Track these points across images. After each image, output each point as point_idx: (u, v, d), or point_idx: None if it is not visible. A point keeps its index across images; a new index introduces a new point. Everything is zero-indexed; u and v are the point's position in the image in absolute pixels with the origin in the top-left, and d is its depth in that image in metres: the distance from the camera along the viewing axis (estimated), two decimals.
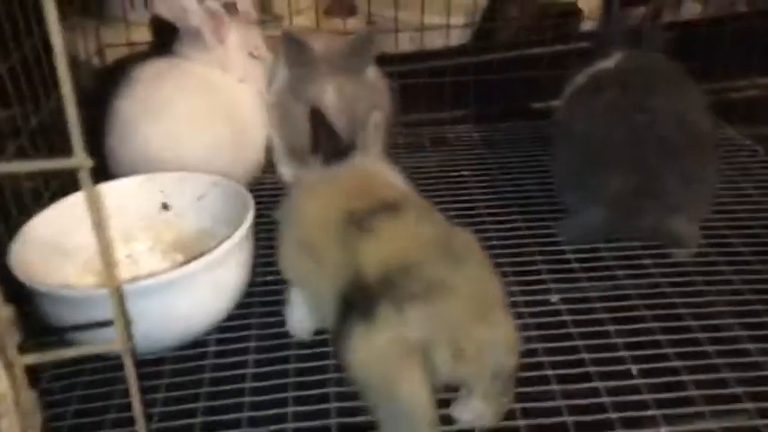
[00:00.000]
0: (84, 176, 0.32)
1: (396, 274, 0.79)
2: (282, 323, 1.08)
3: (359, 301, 0.79)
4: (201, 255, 0.95)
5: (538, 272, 1.19)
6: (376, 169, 1.03)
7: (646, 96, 1.21)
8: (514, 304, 1.09)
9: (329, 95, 1.34)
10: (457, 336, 0.77)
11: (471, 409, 0.85)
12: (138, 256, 1.17)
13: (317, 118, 1.08)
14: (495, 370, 0.81)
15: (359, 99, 1.35)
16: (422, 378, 0.75)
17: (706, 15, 1.87)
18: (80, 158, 0.32)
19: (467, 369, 0.80)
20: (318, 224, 0.91)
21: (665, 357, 0.99)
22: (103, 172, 1.32)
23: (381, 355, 0.76)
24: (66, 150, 0.32)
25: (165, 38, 1.47)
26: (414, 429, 0.76)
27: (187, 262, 0.96)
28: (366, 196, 0.91)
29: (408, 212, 0.88)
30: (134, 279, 0.98)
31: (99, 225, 0.33)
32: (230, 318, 1.07)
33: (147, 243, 1.18)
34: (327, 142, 1.04)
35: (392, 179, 1.02)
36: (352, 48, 1.36)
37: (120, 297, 0.40)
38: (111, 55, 1.76)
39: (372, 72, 1.42)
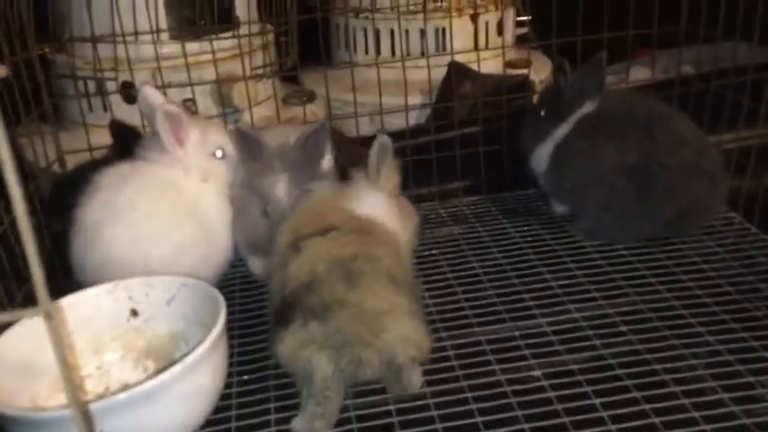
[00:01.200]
0: (51, 325, 0.31)
1: (304, 290, 1.04)
2: (262, 425, 1.05)
3: (282, 311, 1.05)
4: (173, 361, 0.93)
5: (518, 347, 1.18)
6: (341, 194, 1.27)
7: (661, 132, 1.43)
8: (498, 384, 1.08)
9: (280, 190, 1.35)
10: (351, 345, 0.99)
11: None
12: (109, 367, 1.14)
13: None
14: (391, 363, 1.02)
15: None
16: (327, 365, 0.99)
17: (654, 79, 1.93)
18: (46, 306, 0.31)
19: (370, 370, 1.02)
20: (279, 247, 1.16)
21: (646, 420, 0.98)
22: (69, 278, 1.30)
23: (295, 352, 1.01)
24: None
25: (126, 141, 1.48)
26: (326, 404, 0.99)
27: (159, 369, 0.94)
28: (315, 222, 1.15)
29: (335, 235, 1.10)
30: (104, 394, 0.95)
31: (64, 365, 0.32)
32: (208, 423, 1.04)
33: (118, 352, 1.15)
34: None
35: (356, 205, 1.23)
36: (305, 141, 1.37)
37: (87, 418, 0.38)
38: (71, 159, 1.75)
39: (328, 161, 1.44)
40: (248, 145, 1.38)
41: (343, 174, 1.45)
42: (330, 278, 1.03)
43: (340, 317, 1.00)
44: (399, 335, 1.01)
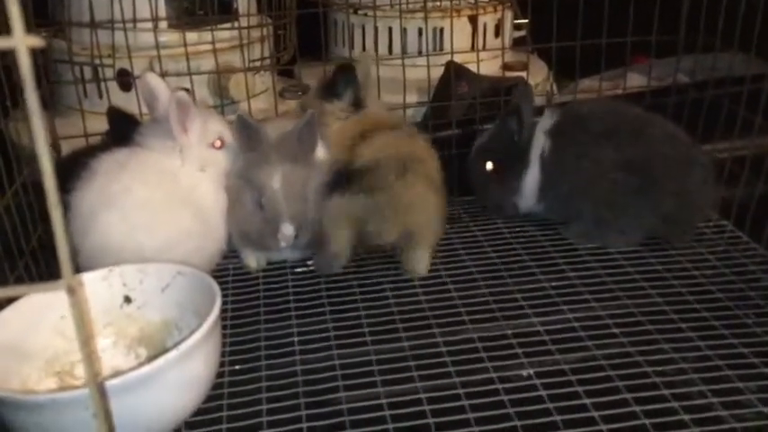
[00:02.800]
0: (74, 300, 0.31)
1: (365, 170, 1.34)
2: (253, 415, 1.05)
3: (340, 181, 1.35)
4: (166, 348, 0.93)
5: (510, 345, 1.19)
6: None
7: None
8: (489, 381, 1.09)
9: (276, 183, 1.35)
10: (381, 218, 1.33)
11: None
12: (102, 353, 1.14)
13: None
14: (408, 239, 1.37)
15: (305, 185, 1.38)
16: (345, 235, 1.36)
17: (650, 87, 1.94)
18: (69, 280, 0.31)
19: (388, 239, 1.37)
20: (346, 135, 1.44)
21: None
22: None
23: (339, 211, 1.34)
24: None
25: (123, 127, 1.47)
26: (331, 263, 1.41)
27: (152, 357, 0.93)
28: (378, 123, 1.46)
29: (397, 133, 1.43)
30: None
31: (86, 343, 0.32)
32: (199, 412, 1.03)
33: (111, 338, 1.15)
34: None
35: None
36: (299, 133, 1.38)
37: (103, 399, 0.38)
38: (66, 145, 1.74)
39: (321, 151, 1.45)
40: (248, 134, 1.38)
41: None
42: (387, 166, 1.33)
43: (382, 197, 1.32)
44: (422, 221, 1.36)
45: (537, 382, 1.09)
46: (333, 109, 1.54)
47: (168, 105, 1.34)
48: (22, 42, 0.30)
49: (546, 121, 1.58)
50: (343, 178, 1.35)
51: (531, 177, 1.57)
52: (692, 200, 1.49)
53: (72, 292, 0.32)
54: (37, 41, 0.30)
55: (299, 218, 1.35)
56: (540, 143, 1.56)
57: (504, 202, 1.63)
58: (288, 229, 1.34)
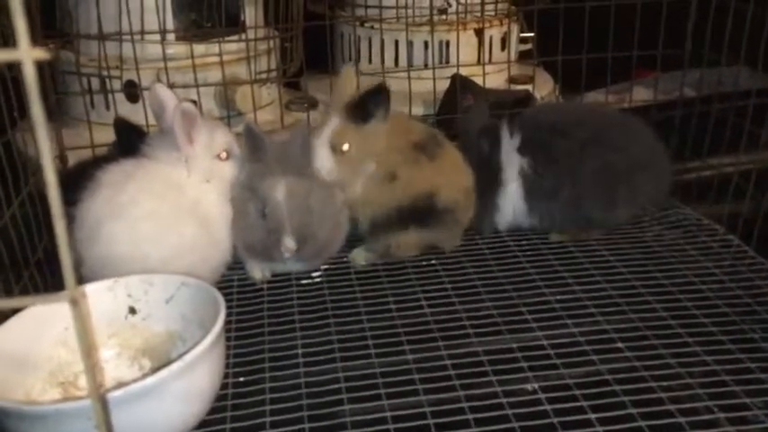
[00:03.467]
0: (77, 311, 0.31)
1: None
2: (256, 427, 1.05)
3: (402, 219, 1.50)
4: (170, 360, 0.92)
5: (515, 359, 1.18)
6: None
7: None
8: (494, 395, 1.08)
9: (279, 194, 1.35)
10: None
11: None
12: (105, 364, 1.13)
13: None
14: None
15: (309, 197, 1.38)
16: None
17: (656, 100, 1.94)
18: (72, 292, 0.31)
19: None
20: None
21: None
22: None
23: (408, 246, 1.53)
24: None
25: (129, 138, 1.48)
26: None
27: (156, 368, 0.93)
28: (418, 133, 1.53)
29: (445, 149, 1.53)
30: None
31: (88, 354, 0.32)
32: (202, 424, 1.03)
33: (115, 349, 1.15)
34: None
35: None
36: (298, 143, 1.40)
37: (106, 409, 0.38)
38: (73, 156, 1.75)
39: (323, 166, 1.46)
40: (254, 144, 1.39)
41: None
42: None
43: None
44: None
45: (542, 396, 1.09)
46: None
47: (174, 116, 1.34)
48: (27, 55, 0.30)
49: (512, 141, 1.59)
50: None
51: (510, 195, 1.58)
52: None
53: (75, 303, 0.32)
54: (42, 54, 0.30)
55: (302, 230, 1.35)
56: (514, 161, 1.57)
57: (482, 222, 1.63)
58: (290, 242, 1.34)
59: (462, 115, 1.90)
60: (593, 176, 1.53)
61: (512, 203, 1.59)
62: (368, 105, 1.45)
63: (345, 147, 1.44)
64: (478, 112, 1.69)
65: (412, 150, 1.48)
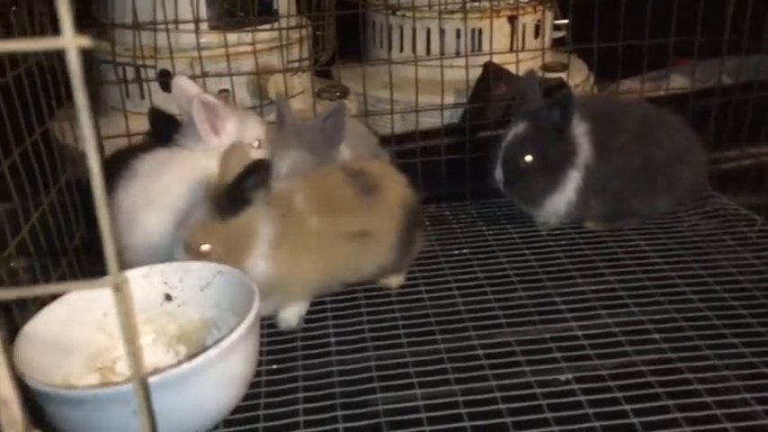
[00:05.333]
0: (119, 297, 0.31)
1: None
2: (289, 414, 1.05)
3: None
4: (205, 347, 0.93)
5: (549, 349, 1.18)
6: None
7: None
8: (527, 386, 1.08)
9: (284, 167, 1.36)
10: None
11: None
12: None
13: None
14: None
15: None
16: None
17: (693, 88, 1.91)
18: (115, 278, 0.31)
19: None
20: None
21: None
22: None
23: None
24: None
25: (164, 128, 1.49)
26: None
27: (191, 354, 0.94)
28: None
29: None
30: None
31: (131, 341, 0.32)
32: (236, 411, 1.04)
33: (150, 336, 1.16)
34: None
35: None
36: (324, 122, 1.40)
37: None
38: (108, 145, 1.77)
39: (344, 151, 1.45)
40: (279, 120, 1.43)
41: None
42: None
43: None
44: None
45: (575, 387, 1.08)
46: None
47: (194, 107, 1.35)
48: (71, 42, 0.31)
49: (581, 126, 1.53)
50: None
51: (575, 179, 1.52)
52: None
53: (118, 289, 0.32)
54: (86, 42, 0.31)
55: None
56: (584, 147, 1.52)
57: (542, 198, 1.56)
58: None
59: (521, 79, 1.81)
60: (635, 170, 1.52)
61: (572, 189, 1.53)
62: (243, 190, 1.14)
63: (205, 248, 1.15)
64: (532, 81, 1.63)
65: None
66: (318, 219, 1.21)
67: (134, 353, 0.33)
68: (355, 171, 1.30)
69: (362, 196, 1.26)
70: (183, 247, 1.16)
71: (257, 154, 1.45)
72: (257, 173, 1.13)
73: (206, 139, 1.38)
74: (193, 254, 1.16)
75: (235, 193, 1.13)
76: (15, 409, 0.33)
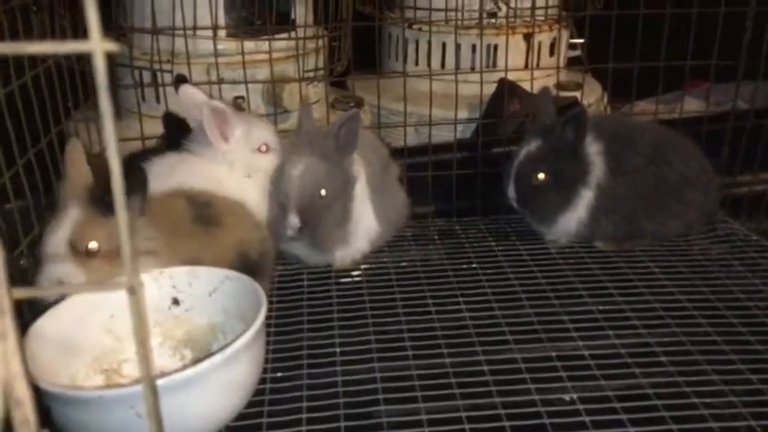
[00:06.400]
0: (134, 299, 0.32)
1: None
2: (293, 423, 1.05)
3: None
4: (211, 351, 0.93)
5: (554, 368, 1.17)
6: None
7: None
8: (531, 404, 1.07)
9: (296, 171, 1.38)
10: None
11: None
12: None
13: None
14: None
15: (328, 183, 1.38)
16: None
17: (708, 112, 1.90)
18: (131, 280, 0.32)
19: None
20: None
21: None
22: None
23: None
24: None
25: (177, 132, 1.50)
26: None
27: (196, 359, 0.94)
28: None
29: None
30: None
31: (143, 344, 0.33)
32: (240, 417, 1.04)
33: (157, 339, 1.17)
34: None
35: None
36: (338, 130, 1.40)
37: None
38: (123, 148, 1.78)
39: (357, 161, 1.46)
40: (298, 126, 1.45)
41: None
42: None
43: None
44: None
45: (580, 407, 1.07)
46: None
47: (204, 114, 1.37)
48: (98, 46, 0.31)
49: (594, 146, 1.54)
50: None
51: (587, 198, 1.53)
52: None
53: (133, 292, 0.32)
54: (112, 46, 0.31)
55: (308, 209, 1.36)
56: (597, 165, 1.52)
57: (554, 216, 1.56)
58: (293, 218, 1.35)
59: (535, 96, 1.84)
60: (648, 191, 1.52)
61: (584, 208, 1.54)
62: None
63: (93, 245, 1.09)
64: (547, 98, 1.64)
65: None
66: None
67: (145, 355, 0.34)
68: (202, 201, 1.27)
69: (195, 225, 1.23)
70: (66, 247, 1.08)
71: (266, 158, 1.46)
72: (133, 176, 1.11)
73: (215, 145, 1.39)
74: (79, 254, 1.09)
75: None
76: (29, 410, 0.33)
